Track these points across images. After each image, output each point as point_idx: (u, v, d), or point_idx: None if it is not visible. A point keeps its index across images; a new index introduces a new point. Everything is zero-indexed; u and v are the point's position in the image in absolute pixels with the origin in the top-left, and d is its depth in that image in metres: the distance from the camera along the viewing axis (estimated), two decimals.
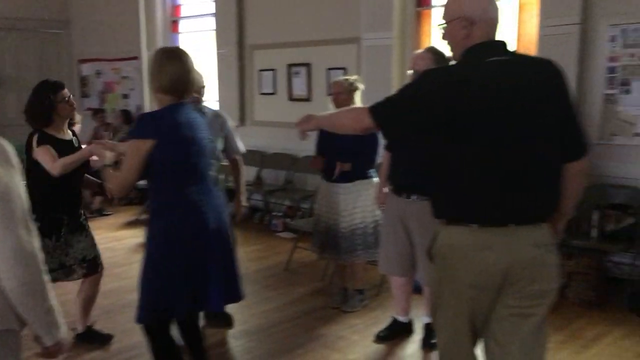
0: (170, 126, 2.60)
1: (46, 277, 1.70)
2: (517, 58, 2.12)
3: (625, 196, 4.63)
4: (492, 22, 2.06)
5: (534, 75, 2.04)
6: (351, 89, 4.08)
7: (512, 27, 5.36)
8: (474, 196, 2.03)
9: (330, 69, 6.34)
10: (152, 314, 2.70)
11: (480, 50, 2.04)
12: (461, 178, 2.04)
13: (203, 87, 3.71)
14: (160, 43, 8.12)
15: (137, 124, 2.68)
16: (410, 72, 3.43)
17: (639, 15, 4.52)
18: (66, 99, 3.45)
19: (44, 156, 3.35)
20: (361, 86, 4.15)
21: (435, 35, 5.86)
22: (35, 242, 1.68)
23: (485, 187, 2.01)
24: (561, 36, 4.81)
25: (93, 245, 3.63)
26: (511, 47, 2.10)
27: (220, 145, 3.81)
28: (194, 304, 2.75)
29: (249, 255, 5.69)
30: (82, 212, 3.64)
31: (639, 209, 4.52)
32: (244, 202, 4.07)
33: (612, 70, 4.69)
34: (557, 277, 2.12)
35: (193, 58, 2.71)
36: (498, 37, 2.11)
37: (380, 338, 3.81)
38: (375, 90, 4.13)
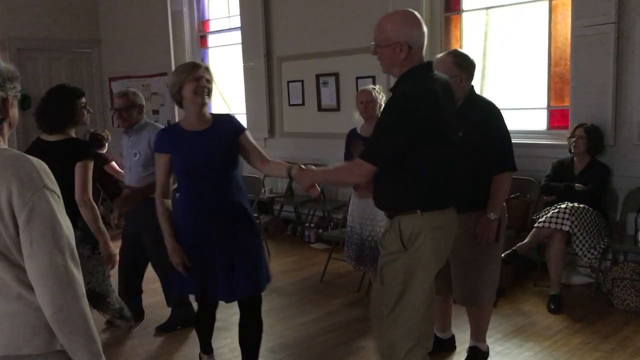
0: None
1: (86, 305, 1.57)
2: (439, 74, 2.62)
3: None
4: (422, 48, 2.55)
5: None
6: (379, 97, 4.07)
7: (544, 29, 5.25)
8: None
9: (359, 77, 6.29)
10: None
11: (424, 69, 2.54)
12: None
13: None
14: (188, 58, 8.17)
15: None
16: None
17: None
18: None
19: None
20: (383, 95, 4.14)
21: (465, 40, 5.79)
22: (75, 270, 1.56)
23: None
24: (596, 36, 4.70)
25: None
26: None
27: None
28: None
29: (282, 267, 5.66)
30: None
31: None
32: None
33: None
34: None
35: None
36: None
37: None
38: None
